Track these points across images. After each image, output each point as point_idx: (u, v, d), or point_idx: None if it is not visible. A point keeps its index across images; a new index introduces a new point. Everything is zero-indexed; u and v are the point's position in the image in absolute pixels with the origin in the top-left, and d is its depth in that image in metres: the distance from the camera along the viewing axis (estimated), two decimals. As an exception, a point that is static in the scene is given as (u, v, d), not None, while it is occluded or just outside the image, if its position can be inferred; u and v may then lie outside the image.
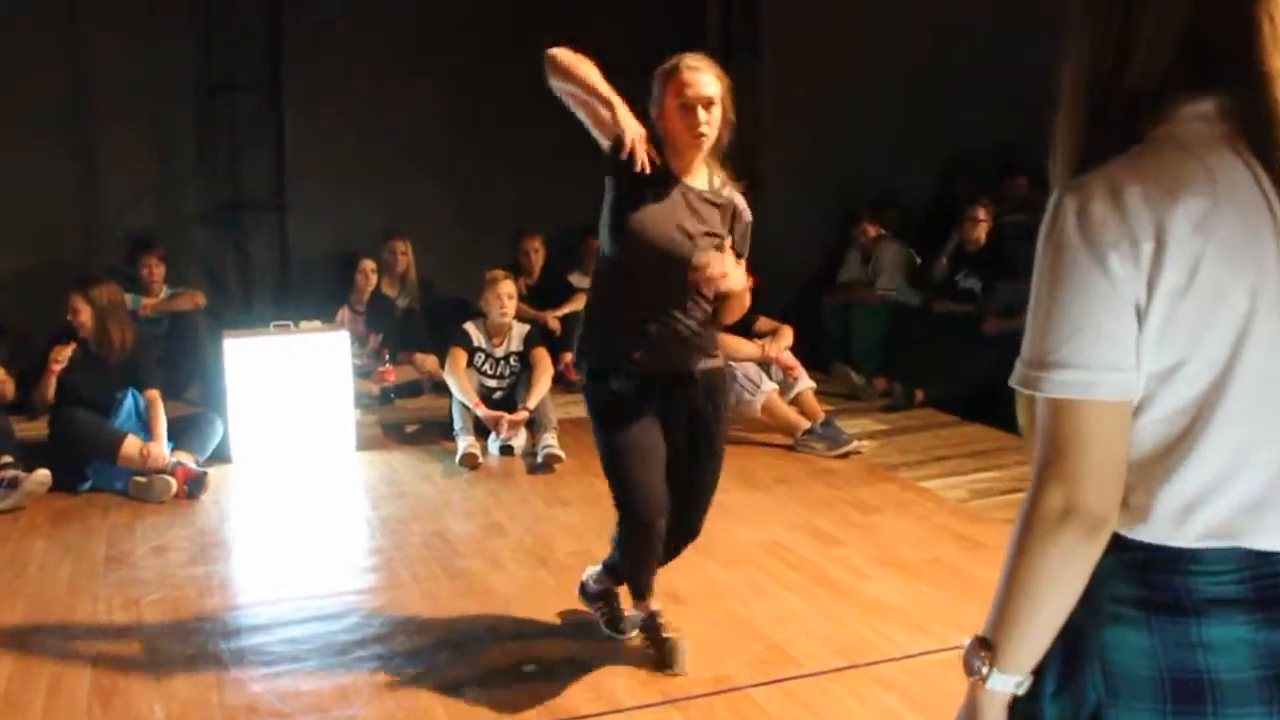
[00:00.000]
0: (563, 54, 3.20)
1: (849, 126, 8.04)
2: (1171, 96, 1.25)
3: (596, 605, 3.75)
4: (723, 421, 3.45)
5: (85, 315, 5.49)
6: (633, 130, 3.12)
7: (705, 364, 3.36)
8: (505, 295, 6.06)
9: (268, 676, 3.45)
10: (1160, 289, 1.20)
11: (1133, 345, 1.22)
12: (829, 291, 8.09)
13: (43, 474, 5.01)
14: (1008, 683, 1.32)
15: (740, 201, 3.36)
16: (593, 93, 3.15)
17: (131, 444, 5.21)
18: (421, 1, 7.61)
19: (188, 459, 5.33)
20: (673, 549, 3.53)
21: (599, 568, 3.69)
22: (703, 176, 3.31)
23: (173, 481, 5.16)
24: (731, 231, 3.34)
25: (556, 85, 3.22)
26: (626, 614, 3.69)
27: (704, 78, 3.16)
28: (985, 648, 1.32)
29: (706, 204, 3.28)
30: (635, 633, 3.64)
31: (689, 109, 3.15)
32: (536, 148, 7.68)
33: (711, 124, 3.18)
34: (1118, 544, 1.29)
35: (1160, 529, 1.27)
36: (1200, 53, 1.24)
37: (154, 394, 5.52)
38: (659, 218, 3.22)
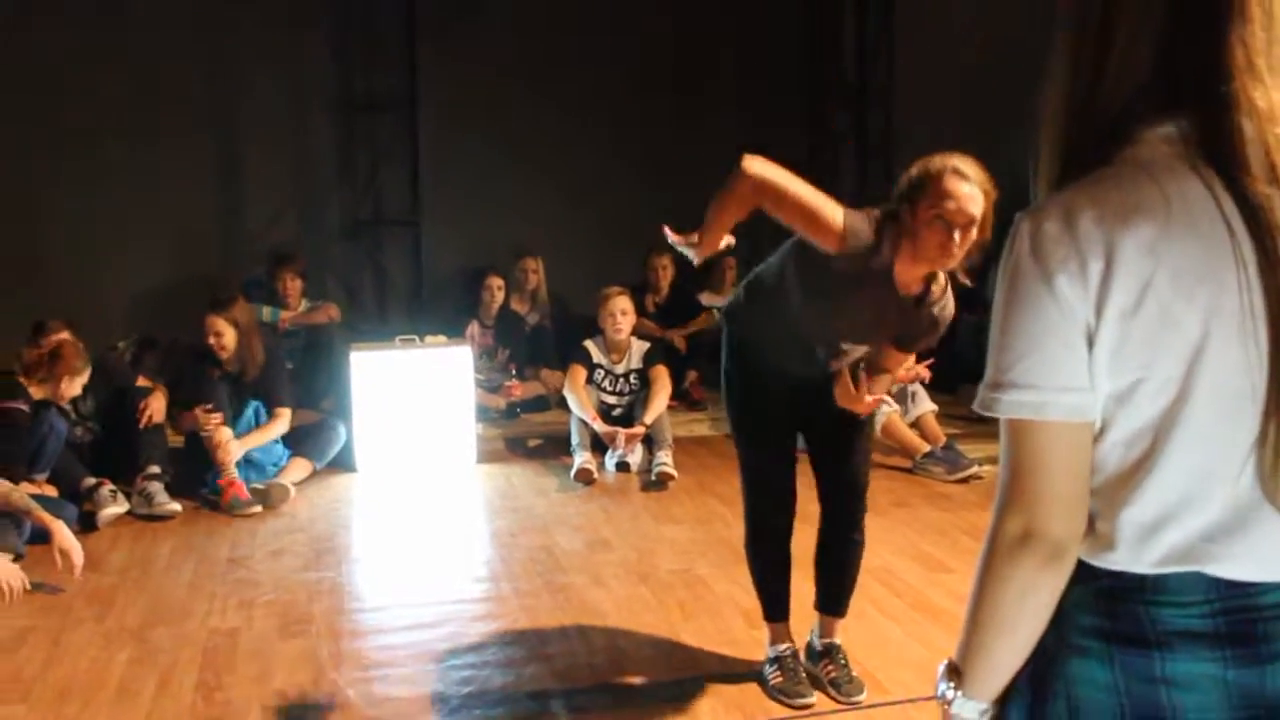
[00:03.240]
0: (756, 169, 2.91)
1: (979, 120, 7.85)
2: (1140, 119, 1.22)
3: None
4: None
5: (229, 338, 5.52)
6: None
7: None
8: (619, 312, 6.10)
9: (361, 680, 3.53)
10: (1109, 311, 1.17)
11: (1084, 366, 1.19)
12: (971, 309, 7.87)
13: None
14: (973, 709, 1.30)
15: (949, 311, 3.13)
16: (797, 210, 2.91)
17: (223, 431, 5.38)
18: (554, 21, 7.74)
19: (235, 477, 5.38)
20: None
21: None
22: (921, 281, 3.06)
23: (290, 489, 5.36)
24: (921, 322, 3.13)
25: (758, 200, 2.98)
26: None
27: (969, 191, 2.83)
28: (954, 673, 1.31)
29: (913, 309, 3.09)
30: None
31: (945, 225, 2.84)
32: (670, 165, 7.78)
33: (964, 246, 2.87)
34: (1085, 574, 1.25)
35: (1123, 554, 1.23)
36: (1171, 76, 1.21)
37: (284, 412, 5.68)
38: (855, 309, 3.05)
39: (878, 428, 5.91)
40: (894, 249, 2.94)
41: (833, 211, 2.90)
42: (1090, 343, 1.19)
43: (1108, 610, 1.24)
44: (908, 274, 3.01)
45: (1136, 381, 1.19)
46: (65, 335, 5.20)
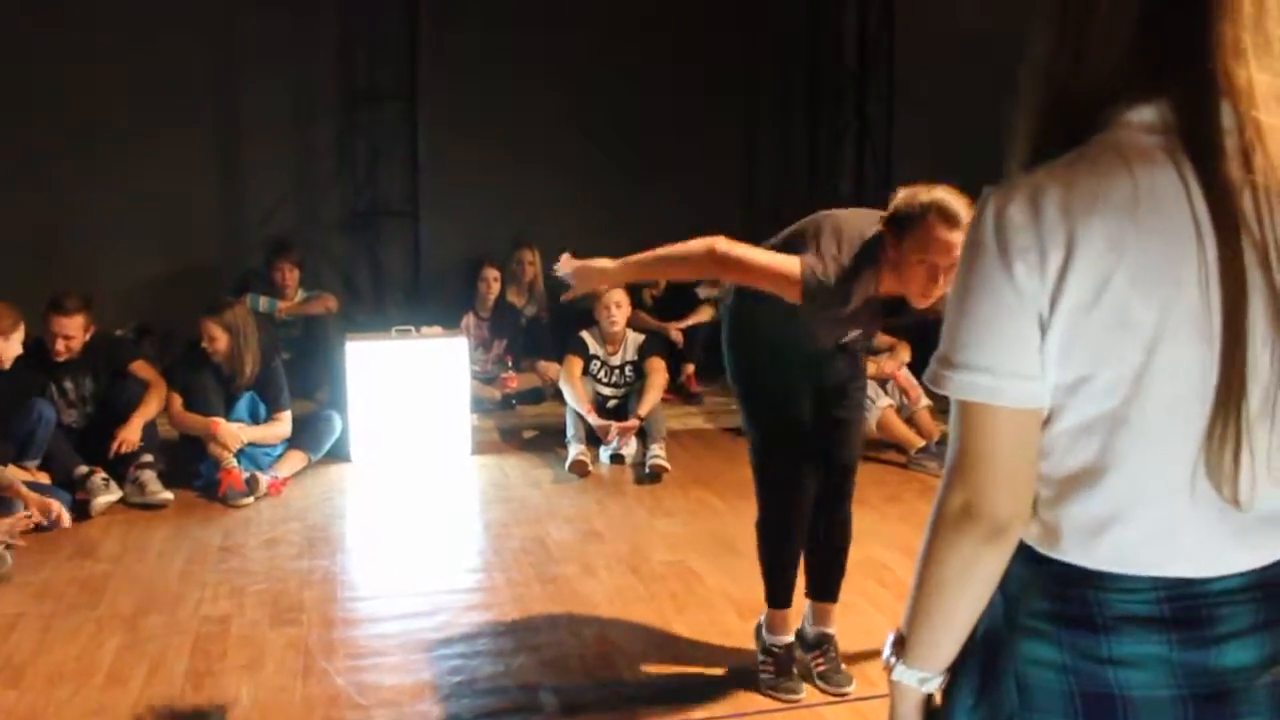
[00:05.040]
0: (723, 246, 2.98)
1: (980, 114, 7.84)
2: (1118, 102, 1.20)
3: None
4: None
5: (221, 343, 5.52)
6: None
7: None
8: (614, 304, 6.10)
9: (351, 670, 3.53)
10: (1063, 305, 1.16)
11: (1036, 354, 1.19)
12: None
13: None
14: (913, 677, 1.32)
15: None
16: (757, 273, 2.99)
17: (223, 426, 5.40)
18: (553, 13, 7.73)
19: (227, 464, 5.37)
20: None
21: None
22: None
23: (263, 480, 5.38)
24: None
25: (720, 272, 3.10)
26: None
27: (957, 238, 2.81)
28: (899, 643, 1.33)
29: (886, 312, 3.16)
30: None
31: (930, 270, 2.88)
32: (668, 159, 7.78)
33: (947, 283, 2.86)
34: (1036, 557, 1.26)
35: (1069, 548, 1.23)
36: (1152, 51, 1.18)
37: (284, 416, 5.68)
38: (844, 325, 3.14)
39: (873, 424, 5.92)
40: (875, 279, 2.99)
41: (790, 265, 2.95)
42: (1043, 332, 1.18)
43: (1057, 593, 1.25)
44: (893, 292, 3.03)
45: (1084, 377, 1.18)
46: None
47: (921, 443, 5.86)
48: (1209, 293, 1.14)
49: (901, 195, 2.96)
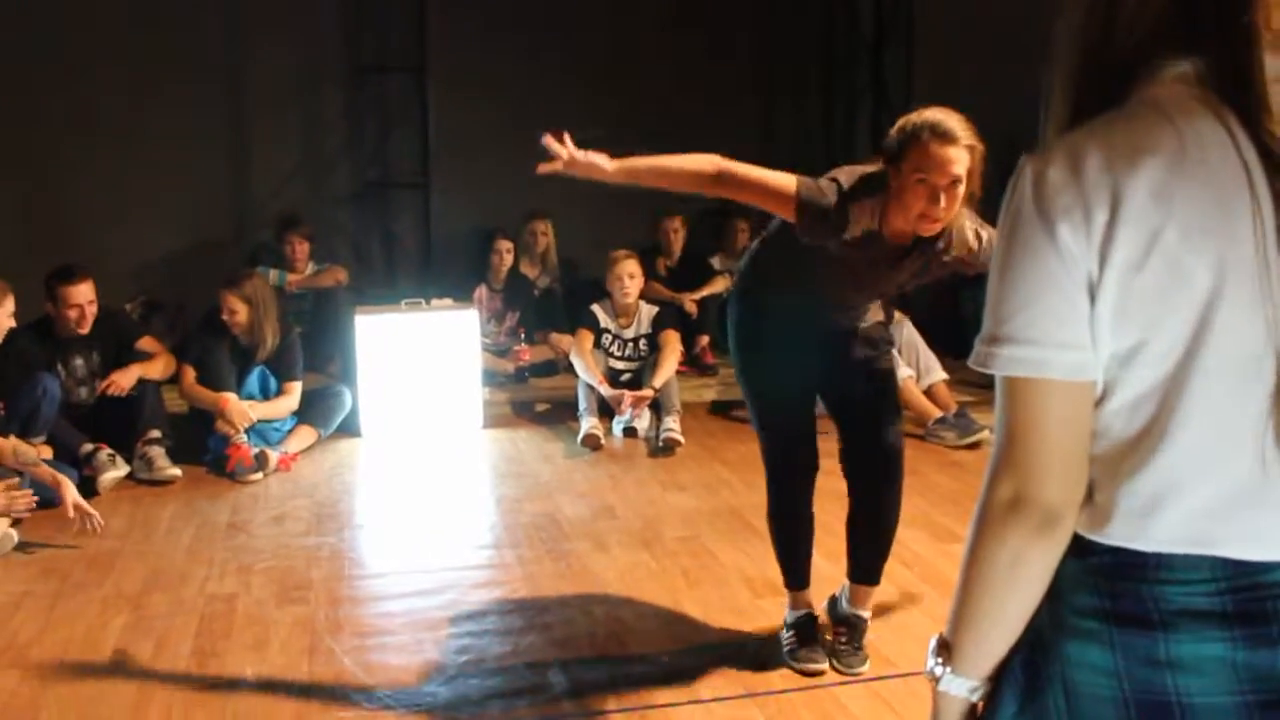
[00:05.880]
0: (723, 165, 2.92)
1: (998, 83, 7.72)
2: (1155, 58, 1.13)
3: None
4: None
5: (242, 315, 5.49)
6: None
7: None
8: (626, 275, 6.01)
9: (358, 649, 3.48)
10: (1113, 262, 1.08)
11: (1086, 323, 1.11)
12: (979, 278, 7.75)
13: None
14: (962, 686, 1.23)
15: (972, 240, 3.02)
16: (753, 186, 2.93)
17: (233, 403, 5.35)
18: (564, -16, 7.63)
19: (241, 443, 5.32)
20: None
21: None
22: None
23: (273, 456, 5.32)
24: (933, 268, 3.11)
25: (716, 187, 2.99)
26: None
27: (954, 153, 2.78)
28: (944, 648, 1.24)
29: (920, 256, 3.04)
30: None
31: (929, 188, 2.81)
32: (679, 128, 7.64)
33: (951, 206, 2.83)
34: (1083, 548, 1.17)
35: (1122, 530, 1.14)
36: (1189, 14, 1.11)
37: (294, 387, 5.63)
38: (856, 272, 3.06)
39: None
40: (878, 211, 2.92)
41: (785, 180, 2.90)
42: (1092, 298, 1.10)
43: (1107, 589, 1.16)
44: (899, 232, 2.95)
45: (1140, 343, 1.10)
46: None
47: (939, 414, 5.77)
48: (1266, 245, 1.07)
49: (896, 127, 2.91)
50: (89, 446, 5.05)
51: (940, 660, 1.24)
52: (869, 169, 2.99)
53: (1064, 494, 1.15)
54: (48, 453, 4.95)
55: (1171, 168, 1.08)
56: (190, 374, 5.49)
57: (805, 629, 3.37)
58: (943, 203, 2.80)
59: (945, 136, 2.78)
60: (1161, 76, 1.13)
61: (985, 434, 5.62)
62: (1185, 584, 1.13)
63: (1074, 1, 1.19)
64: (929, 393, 5.96)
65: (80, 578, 4.06)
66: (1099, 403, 1.14)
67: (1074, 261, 1.10)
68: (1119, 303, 1.09)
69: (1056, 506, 1.15)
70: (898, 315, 6.13)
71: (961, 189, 2.82)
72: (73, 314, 5.23)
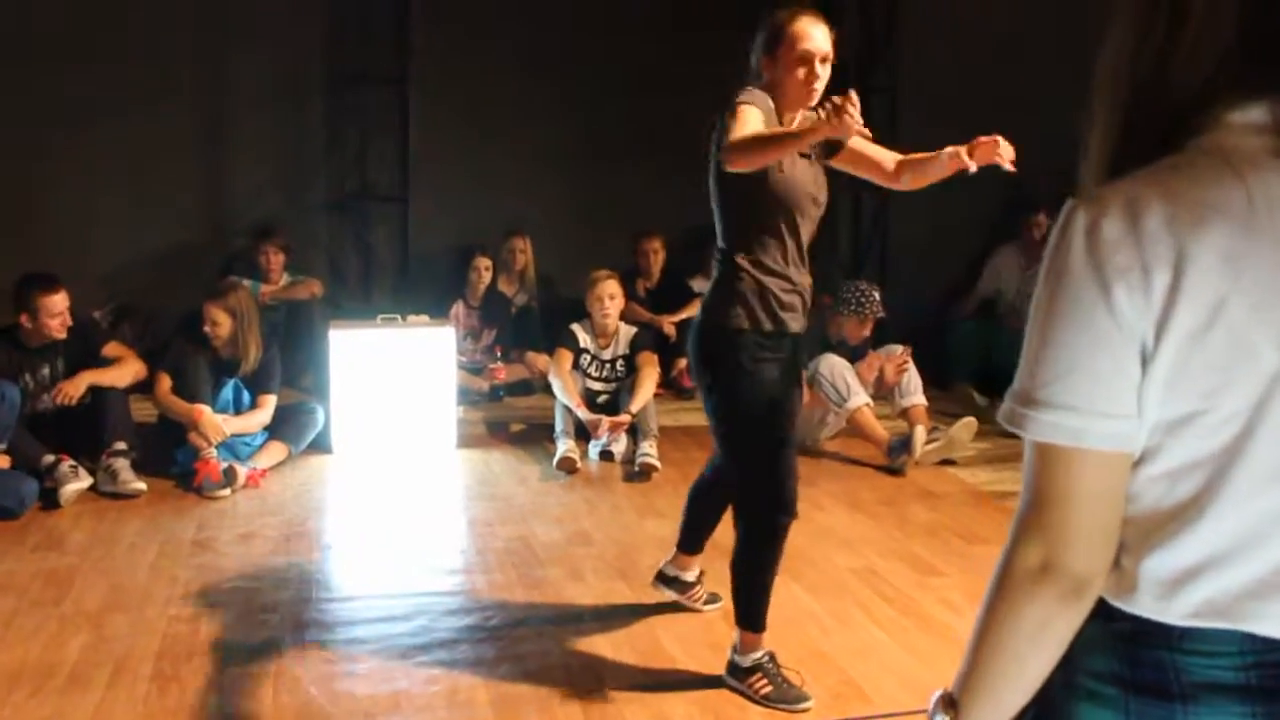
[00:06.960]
0: (742, 142, 2.95)
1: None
2: (1218, 102, 1.04)
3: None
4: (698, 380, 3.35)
5: (224, 328, 5.40)
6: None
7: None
8: (607, 296, 5.94)
9: (324, 677, 3.38)
10: (1171, 331, 1.01)
11: (1133, 390, 1.04)
12: (960, 303, 7.67)
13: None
14: None
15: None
16: (785, 148, 3.00)
17: (207, 416, 5.23)
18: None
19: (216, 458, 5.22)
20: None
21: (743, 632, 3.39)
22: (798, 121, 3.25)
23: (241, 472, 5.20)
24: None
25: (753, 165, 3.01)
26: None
27: (819, 32, 3.10)
28: (950, 706, 1.17)
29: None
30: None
31: (807, 62, 3.08)
32: (661, 147, 7.58)
33: (824, 79, 3.12)
34: (1105, 612, 1.10)
35: (1146, 600, 1.08)
36: (1255, 53, 1.03)
37: (268, 400, 5.52)
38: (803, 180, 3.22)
39: (843, 420, 5.83)
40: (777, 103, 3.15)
41: (754, 116, 3.02)
42: (1145, 365, 1.03)
43: (1127, 655, 1.10)
44: (788, 115, 3.19)
45: (1194, 413, 1.03)
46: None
47: (888, 438, 5.69)
48: None
49: (760, 31, 3.20)
50: (50, 458, 4.91)
51: (945, 718, 1.19)
52: (751, 89, 3.13)
53: (1094, 563, 1.09)
54: (5, 463, 4.82)
55: (1241, 230, 1.00)
56: (166, 382, 5.37)
57: (771, 670, 3.32)
58: (820, 72, 3.08)
59: (809, 15, 3.10)
60: (1227, 120, 1.05)
61: (913, 457, 5.61)
62: (1210, 656, 1.08)
63: (1122, 28, 1.10)
64: (906, 414, 5.91)
65: (38, 594, 3.93)
66: (1136, 465, 1.08)
67: (1128, 326, 1.02)
68: (1173, 372, 1.03)
69: (1086, 575, 1.09)
70: (900, 347, 6.07)
71: (829, 69, 3.11)
72: (54, 323, 5.12)
